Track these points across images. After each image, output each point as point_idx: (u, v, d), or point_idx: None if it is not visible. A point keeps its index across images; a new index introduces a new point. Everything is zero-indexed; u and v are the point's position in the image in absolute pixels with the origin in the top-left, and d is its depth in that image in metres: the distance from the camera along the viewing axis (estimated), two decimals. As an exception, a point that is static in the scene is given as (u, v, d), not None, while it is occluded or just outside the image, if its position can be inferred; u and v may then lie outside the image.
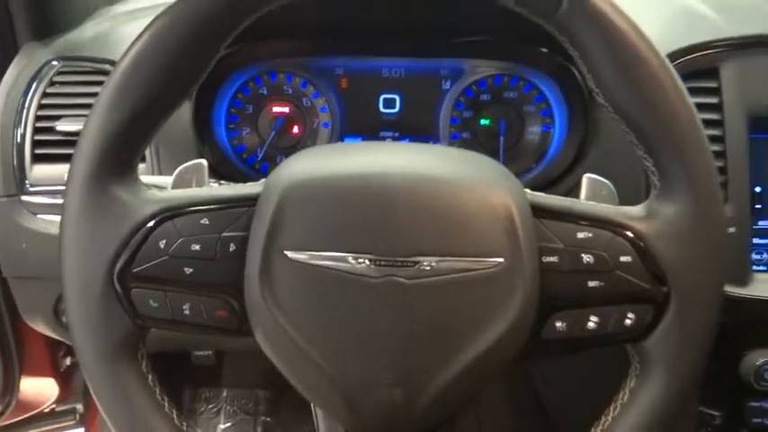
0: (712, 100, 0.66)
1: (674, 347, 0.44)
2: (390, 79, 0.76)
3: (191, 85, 0.43)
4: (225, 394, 1.11)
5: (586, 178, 0.50)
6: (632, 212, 0.45)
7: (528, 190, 0.46)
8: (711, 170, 0.44)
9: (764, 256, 0.67)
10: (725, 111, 0.66)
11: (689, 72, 0.66)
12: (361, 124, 0.76)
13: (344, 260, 0.41)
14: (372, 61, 0.75)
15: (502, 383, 0.98)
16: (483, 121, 0.75)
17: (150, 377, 0.44)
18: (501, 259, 0.42)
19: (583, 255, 0.44)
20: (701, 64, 0.67)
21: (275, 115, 0.75)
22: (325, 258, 0.41)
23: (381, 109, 0.76)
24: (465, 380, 0.42)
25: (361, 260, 0.41)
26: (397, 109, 0.76)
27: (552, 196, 0.46)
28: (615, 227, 0.44)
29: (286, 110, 0.75)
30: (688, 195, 0.44)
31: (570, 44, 0.44)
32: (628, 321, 0.45)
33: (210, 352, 0.95)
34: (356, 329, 0.41)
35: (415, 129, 0.76)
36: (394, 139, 0.76)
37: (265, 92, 0.75)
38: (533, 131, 0.74)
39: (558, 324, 0.44)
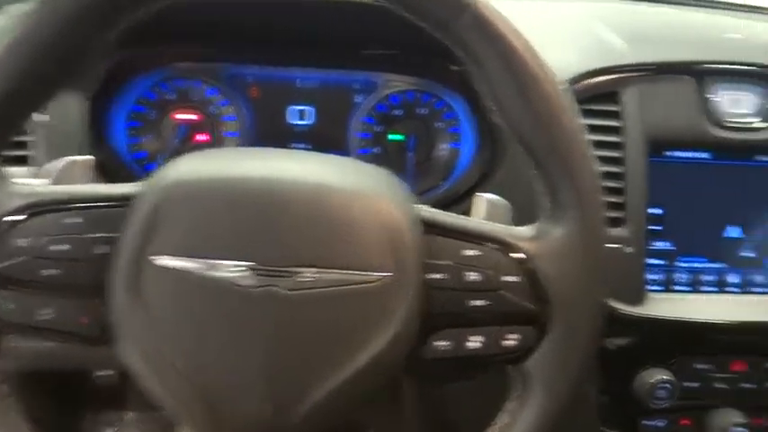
0: (613, 123, 0.68)
1: (554, 368, 0.45)
2: (303, 90, 0.75)
3: (63, 76, 0.41)
4: (129, 417, 1.05)
5: (478, 197, 0.50)
6: (521, 232, 0.45)
7: (425, 206, 0.46)
8: (597, 192, 0.45)
9: (659, 276, 0.69)
10: (625, 134, 0.67)
11: (591, 95, 0.68)
12: (271, 135, 0.74)
13: (221, 268, 0.39)
14: (285, 71, 0.74)
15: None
16: (393, 137, 0.74)
17: (10, 397, 0.41)
18: (385, 273, 0.41)
19: (469, 273, 0.44)
20: (602, 88, 0.69)
21: (179, 122, 0.72)
22: (201, 265, 0.39)
23: (293, 120, 0.74)
24: (341, 396, 0.41)
25: (238, 269, 0.39)
26: (309, 121, 0.75)
27: (443, 212, 0.45)
28: (503, 246, 0.44)
29: (192, 117, 0.72)
30: (574, 216, 0.44)
31: (466, 58, 0.44)
32: (511, 342, 0.44)
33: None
34: (228, 341, 0.39)
35: (326, 142, 0.74)
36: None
37: (170, 97, 0.72)
38: (443, 148, 0.74)
39: (441, 343, 0.44)
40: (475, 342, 0.44)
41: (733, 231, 0.70)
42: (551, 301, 0.44)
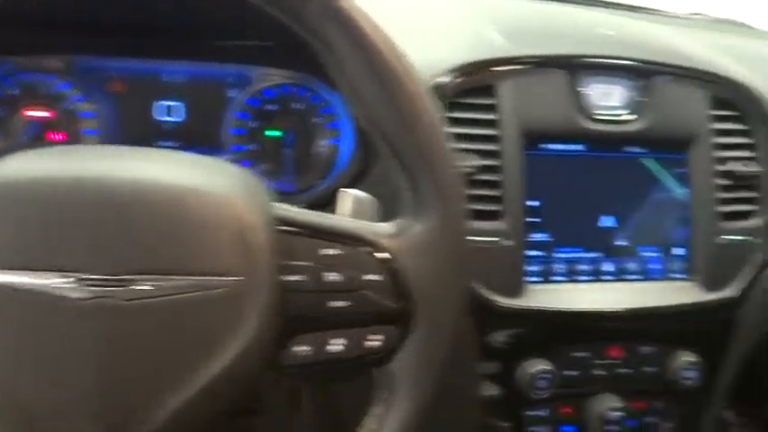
0: (489, 116, 0.68)
1: (419, 367, 0.43)
2: (171, 84, 0.70)
3: None
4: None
5: (343, 193, 0.48)
6: (382, 229, 0.43)
7: (283, 204, 0.43)
8: (458, 187, 0.44)
9: (538, 267, 0.69)
10: (501, 127, 0.67)
11: (467, 88, 0.68)
12: (136, 133, 0.69)
13: (44, 278, 0.35)
14: (150, 63, 0.69)
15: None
16: (270, 133, 0.71)
17: None
18: (234, 278, 0.38)
19: (328, 273, 0.41)
20: (478, 81, 0.68)
21: (29, 119, 0.66)
22: (23, 278, 0.35)
23: (160, 117, 0.70)
24: (189, 412, 0.37)
25: (66, 280, 0.35)
26: (177, 117, 0.70)
27: (301, 210, 0.43)
28: (364, 244, 0.42)
29: (44, 114, 0.66)
30: (435, 212, 0.43)
31: (319, 48, 0.42)
32: (374, 343, 0.43)
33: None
34: (57, 357, 0.35)
35: (197, 139, 0.70)
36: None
37: (18, 92, 0.66)
38: (322, 144, 0.72)
39: (301, 347, 0.41)
40: (337, 345, 0.42)
41: (607, 221, 0.71)
42: (414, 298, 0.42)
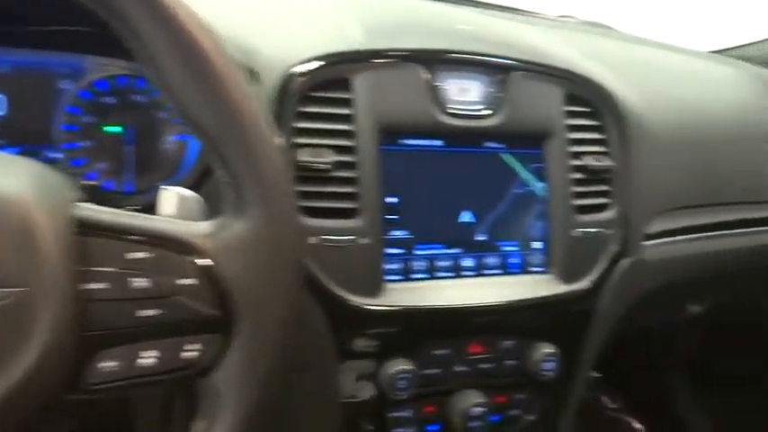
0: (344, 111, 0.65)
1: (245, 377, 0.40)
2: (-9, 75, 0.63)
3: None
4: None
5: (164, 191, 0.44)
6: (198, 228, 0.40)
7: (88, 203, 0.38)
8: (283, 182, 0.41)
9: (397, 265, 0.68)
10: (357, 122, 0.66)
11: (322, 81, 0.65)
12: (-53, 128, 0.61)
13: None
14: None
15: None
16: (109, 128, 0.65)
17: None
18: (16, 288, 0.33)
19: (135, 279, 0.38)
20: (333, 74, 0.66)
21: None
22: None
23: (-22, 111, 0.62)
24: None
25: None
26: (2, 112, 0.63)
27: (107, 209, 0.39)
28: (177, 245, 0.39)
29: None
30: (259, 208, 0.40)
31: (123, 33, 0.38)
32: (192, 353, 0.39)
33: None
34: None
35: (23, 136, 0.63)
36: (-3, 147, 0.63)
37: None
38: (168, 141, 0.67)
39: (107, 363, 0.37)
40: (148, 358, 0.38)
41: (466, 217, 0.71)
42: (234, 303, 0.39)
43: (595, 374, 1.78)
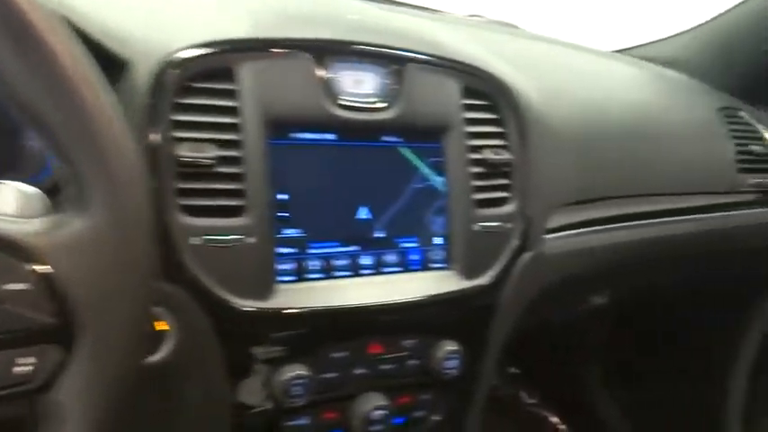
0: (229, 103, 0.62)
1: (91, 391, 0.36)
2: None
3: None
4: None
5: (1, 185, 0.39)
6: (29, 226, 0.35)
7: None
8: (134, 176, 0.37)
9: (290, 265, 0.64)
10: (242, 115, 0.62)
11: (203, 72, 0.61)
12: None
13: None
14: None
15: None
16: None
17: None
18: None
19: None
20: (217, 63, 0.62)
21: None
22: None
23: None
24: None
25: None
26: None
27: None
28: (3, 244, 0.34)
29: None
30: (102, 204, 0.36)
31: None
32: (26, 368, 0.35)
33: None
34: None
35: None
36: None
37: None
38: (32, 136, 0.61)
39: None
40: None
41: (363, 213, 0.69)
42: (74, 308, 0.35)
43: (513, 370, 1.81)
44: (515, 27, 1.37)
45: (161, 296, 0.56)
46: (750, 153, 1.13)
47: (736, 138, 1.13)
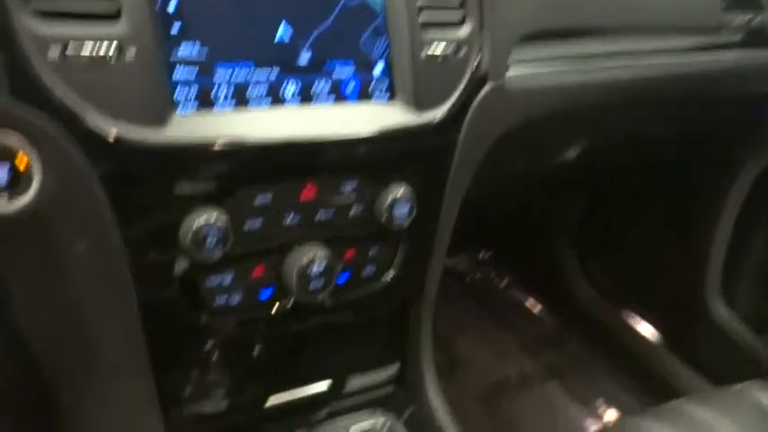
0: None
1: None
2: None
3: None
4: None
5: None
6: None
7: None
8: None
9: (191, 90, 0.52)
10: None
11: None
12: None
13: None
14: None
15: None
16: None
17: None
18: None
19: None
20: None
21: None
22: None
23: None
24: None
25: None
26: None
27: None
28: None
29: None
30: None
31: None
32: None
33: None
34: None
35: None
36: None
37: None
38: None
39: None
40: None
41: (285, 31, 0.56)
42: None
43: (485, 255, 1.75)
44: None
45: (16, 120, 0.44)
46: (737, -13, 1.01)
47: (721, -30, 1.01)
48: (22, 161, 0.45)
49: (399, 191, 0.62)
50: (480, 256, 1.74)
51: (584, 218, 1.55)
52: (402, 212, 0.62)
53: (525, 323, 1.58)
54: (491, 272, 1.69)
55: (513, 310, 1.62)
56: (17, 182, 0.46)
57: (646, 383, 1.37)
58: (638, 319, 1.45)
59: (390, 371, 0.74)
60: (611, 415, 1.35)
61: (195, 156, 0.51)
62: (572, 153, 0.96)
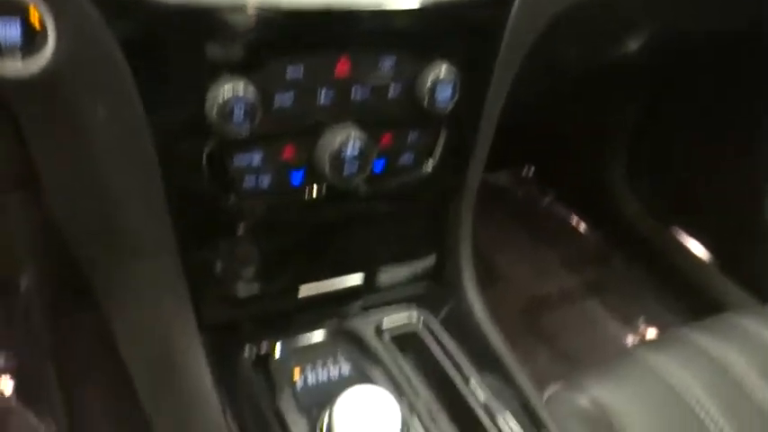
0: None
1: None
2: None
3: None
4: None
5: None
6: None
7: None
8: None
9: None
10: None
11: None
12: None
13: None
14: None
15: None
16: None
17: None
18: None
19: None
20: None
21: None
22: None
23: None
24: None
25: None
26: None
27: None
28: None
29: None
30: None
31: None
32: None
33: None
34: None
35: None
36: None
37: None
38: None
39: None
40: None
41: None
42: None
43: (528, 169, 1.69)
44: None
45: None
46: None
47: None
48: (34, 16, 0.42)
49: (442, 70, 0.57)
50: (523, 172, 1.68)
51: (635, 132, 1.47)
52: (445, 95, 0.57)
53: (568, 240, 1.53)
54: (533, 189, 1.63)
55: (555, 227, 1.57)
56: (32, 40, 0.43)
57: (691, 303, 1.32)
58: (688, 238, 1.39)
59: (427, 262, 0.71)
60: (652, 333, 1.32)
61: (224, 18, 0.47)
62: (634, 44, 0.87)
